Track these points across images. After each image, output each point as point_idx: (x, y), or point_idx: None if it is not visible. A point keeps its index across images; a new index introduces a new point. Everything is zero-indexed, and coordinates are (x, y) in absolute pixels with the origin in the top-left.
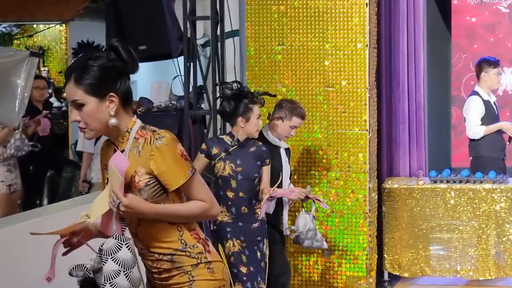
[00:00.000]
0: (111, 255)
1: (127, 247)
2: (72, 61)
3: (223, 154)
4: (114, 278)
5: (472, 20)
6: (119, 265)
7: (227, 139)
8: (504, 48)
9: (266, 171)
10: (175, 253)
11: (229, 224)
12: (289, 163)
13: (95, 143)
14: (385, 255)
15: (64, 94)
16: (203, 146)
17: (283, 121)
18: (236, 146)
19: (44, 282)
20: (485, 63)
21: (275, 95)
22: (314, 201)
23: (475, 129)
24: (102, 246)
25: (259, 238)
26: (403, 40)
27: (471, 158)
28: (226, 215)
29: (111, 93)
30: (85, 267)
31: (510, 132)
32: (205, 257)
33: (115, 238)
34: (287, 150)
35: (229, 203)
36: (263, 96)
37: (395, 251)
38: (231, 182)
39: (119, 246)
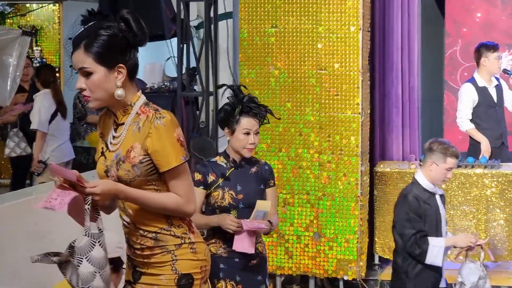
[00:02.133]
0: (85, 254)
1: (99, 244)
2: (81, 29)
3: (220, 181)
4: (92, 281)
5: (466, 4)
6: (93, 265)
7: (221, 160)
8: (498, 32)
9: (271, 193)
10: (160, 231)
11: (223, 259)
12: (444, 208)
13: (49, 123)
14: (376, 239)
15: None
16: (197, 176)
17: (437, 165)
18: (233, 169)
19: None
20: (484, 48)
21: (279, 118)
22: (482, 247)
23: (462, 121)
24: (74, 243)
25: (259, 277)
26: (397, 24)
27: (469, 144)
28: (221, 247)
29: (120, 64)
30: (51, 259)
31: (482, 154)
32: (189, 238)
33: (88, 236)
34: (442, 196)
35: (227, 235)
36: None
37: (386, 234)
38: (231, 212)
39: (92, 244)
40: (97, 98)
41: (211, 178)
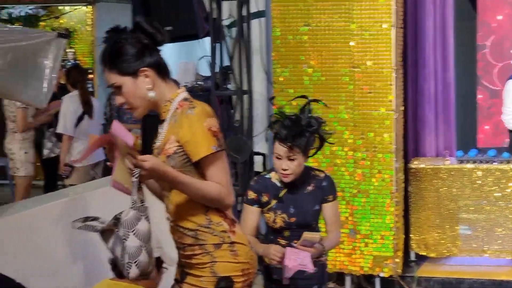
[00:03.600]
0: (132, 228)
1: (145, 217)
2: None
3: (273, 202)
4: (138, 256)
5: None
6: (140, 239)
7: (275, 178)
8: None
9: (330, 208)
10: (198, 228)
11: (276, 269)
12: None
13: (76, 126)
14: (411, 235)
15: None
16: (251, 195)
17: None
18: (286, 189)
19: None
20: None
21: (332, 143)
22: None
23: (510, 118)
24: (120, 216)
25: (315, 287)
26: (430, 20)
27: (510, 141)
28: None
29: (142, 68)
30: (94, 228)
31: None
32: (228, 237)
33: (135, 209)
34: None
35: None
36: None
37: (422, 231)
38: (283, 233)
39: (138, 217)
40: (137, 107)
41: (264, 198)
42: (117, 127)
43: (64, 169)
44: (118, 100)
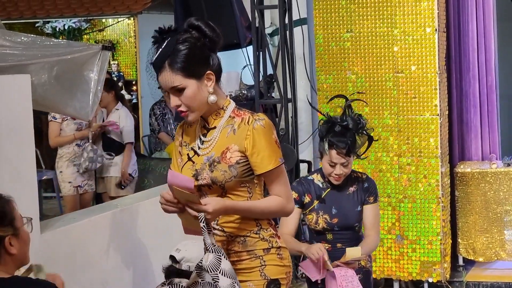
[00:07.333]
0: (217, 269)
1: (224, 256)
2: (159, 50)
3: (315, 203)
4: None
5: None
6: (229, 277)
7: (318, 179)
8: None
9: (370, 210)
10: (249, 234)
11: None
12: None
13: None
14: (459, 240)
15: (160, 84)
16: (293, 195)
17: None
18: (329, 189)
19: None
20: None
21: (376, 139)
22: None
23: None
24: (201, 263)
25: None
26: (473, 23)
27: None
28: None
29: (208, 71)
30: (181, 285)
31: None
32: (276, 241)
33: (212, 252)
34: None
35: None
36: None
37: (469, 235)
38: (326, 235)
39: (218, 258)
40: (194, 110)
41: (306, 199)
42: (173, 175)
43: (128, 179)
44: (174, 102)
